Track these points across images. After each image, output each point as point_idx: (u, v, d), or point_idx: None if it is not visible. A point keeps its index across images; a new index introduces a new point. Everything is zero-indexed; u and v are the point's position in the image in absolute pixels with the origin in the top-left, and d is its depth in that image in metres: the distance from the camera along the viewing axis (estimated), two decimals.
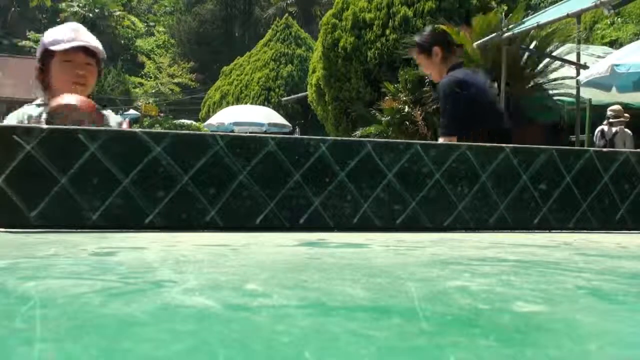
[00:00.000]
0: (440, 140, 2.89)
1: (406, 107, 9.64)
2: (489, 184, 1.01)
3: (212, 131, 7.16)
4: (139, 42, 43.19)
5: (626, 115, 8.23)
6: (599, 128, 8.33)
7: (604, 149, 1.10)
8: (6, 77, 26.05)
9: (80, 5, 40.33)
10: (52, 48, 2.17)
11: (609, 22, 16.20)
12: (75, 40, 2.18)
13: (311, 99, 13.10)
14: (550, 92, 9.36)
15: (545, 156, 1.04)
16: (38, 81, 2.24)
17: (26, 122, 2.12)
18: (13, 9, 42.37)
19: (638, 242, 0.98)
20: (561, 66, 9.16)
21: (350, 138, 1.21)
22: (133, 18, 44.28)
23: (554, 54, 9.15)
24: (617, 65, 6.95)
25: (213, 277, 0.54)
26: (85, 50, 2.20)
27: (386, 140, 0.99)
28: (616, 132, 8.12)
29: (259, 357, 0.32)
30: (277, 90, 19.00)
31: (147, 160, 0.86)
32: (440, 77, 3.07)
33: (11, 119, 2.17)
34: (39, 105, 2.19)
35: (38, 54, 2.24)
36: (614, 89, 7.36)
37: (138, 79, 37.27)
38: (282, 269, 0.59)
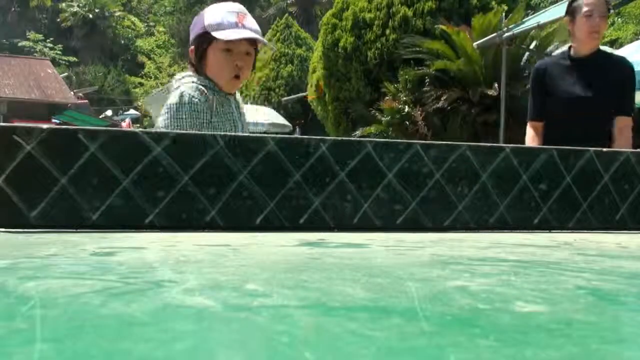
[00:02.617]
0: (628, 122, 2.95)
1: (406, 107, 9.64)
2: (489, 184, 1.01)
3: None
4: (139, 42, 43.20)
5: None
6: None
7: (604, 149, 1.10)
8: (6, 77, 26.05)
9: (80, 5, 40.34)
10: (215, 34, 1.88)
11: (609, 22, 16.23)
12: (241, 28, 1.88)
13: (311, 99, 13.11)
14: None
15: (545, 156, 1.04)
16: (191, 63, 1.98)
17: (203, 98, 1.88)
18: (13, 9, 42.37)
19: (638, 242, 0.98)
20: None
21: (350, 138, 1.21)
22: (133, 18, 44.31)
23: (554, 54, 9.15)
24: None
25: (213, 277, 0.54)
26: (249, 39, 1.92)
27: (386, 140, 0.99)
28: None
29: (259, 357, 0.32)
30: (277, 90, 18.99)
31: (147, 160, 0.86)
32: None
33: (186, 90, 1.91)
34: (203, 85, 1.93)
35: (193, 33, 1.95)
36: None
37: (138, 79, 37.28)
38: (282, 269, 0.59)
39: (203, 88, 1.94)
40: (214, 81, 1.98)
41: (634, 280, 0.61)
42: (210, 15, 1.92)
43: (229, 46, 1.91)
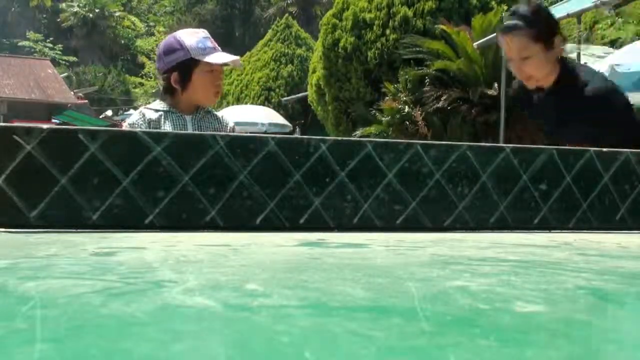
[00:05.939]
0: None
1: (406, 107, 9.63)
2: (489, 184, 1.01)
3: None
4: (139, 42, 43.20)
5: None
6: None
7: (604, 149, 1.10)
8: (6, 77, 26.03)
9: (80, 5, 40.34)
10: (206, 59, 2.12)
11: (609, 22, 16.20)
12: (219, 51, 2.16)
13: (311, 99, 13.10)
14: None
15: (545, 156, 1.04)
16: (167, 85, 2.18)
17: (145, 125, 2.13)
18: (13, 9, 42.37)
19: (638, 242, 0.98)
20: None
21: (350, 138, 1.20)
22: (133, 18, 44.31)
23: None
24: (617, 65, 6.95)
25: (213, 277, 0.54)
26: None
27: (386, 140, 0.99)
28: None
29: (259, 357, 0.32)
30: (277, 90, 18.98)
31: (147, 160, 0.86)
32: (548, 78, 2.22)
33: (132, 119, 2.23)
34: (157, 111, 2.18)
35: (172, 60, 2.13)
36: None
37: (138, 79, 37.30)
38: (282, 269, 0.59)
39: (148, 111, 2.21)
40: (175, 102, 2.20)
41: (634, 280, 0.61)
42: (191, 42, 2.14)
43: (212, 67, 2.16)
